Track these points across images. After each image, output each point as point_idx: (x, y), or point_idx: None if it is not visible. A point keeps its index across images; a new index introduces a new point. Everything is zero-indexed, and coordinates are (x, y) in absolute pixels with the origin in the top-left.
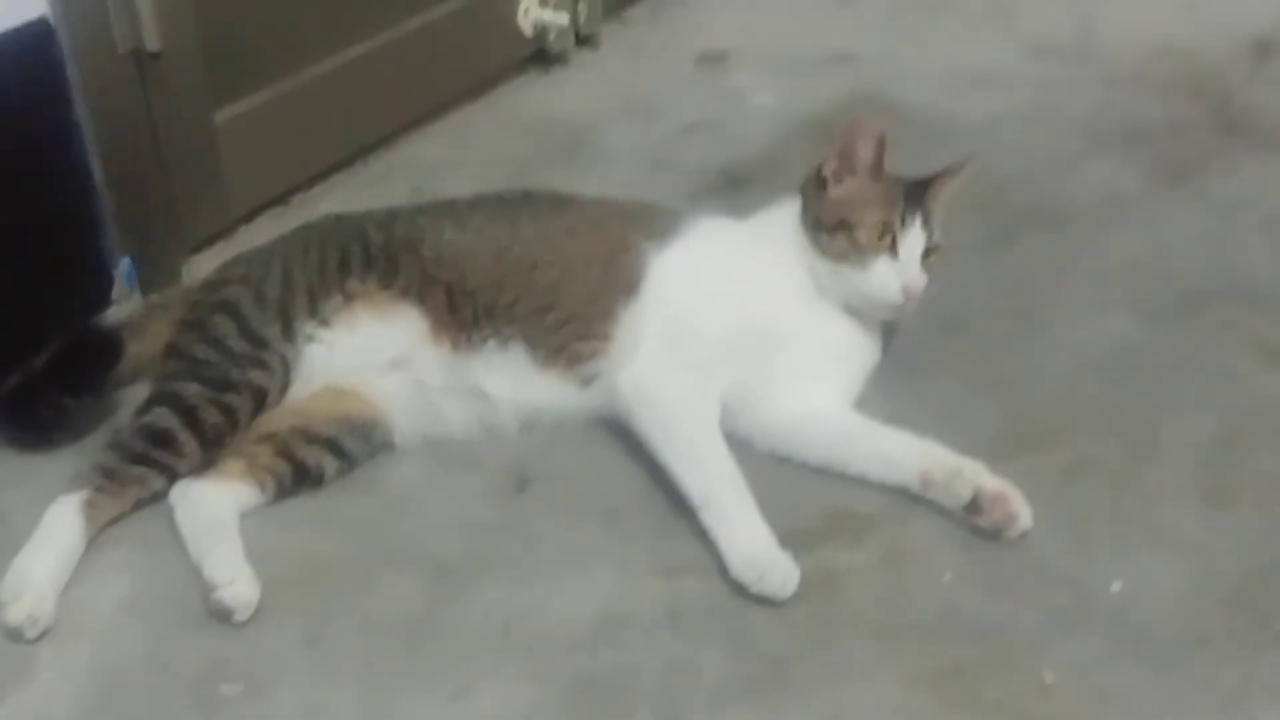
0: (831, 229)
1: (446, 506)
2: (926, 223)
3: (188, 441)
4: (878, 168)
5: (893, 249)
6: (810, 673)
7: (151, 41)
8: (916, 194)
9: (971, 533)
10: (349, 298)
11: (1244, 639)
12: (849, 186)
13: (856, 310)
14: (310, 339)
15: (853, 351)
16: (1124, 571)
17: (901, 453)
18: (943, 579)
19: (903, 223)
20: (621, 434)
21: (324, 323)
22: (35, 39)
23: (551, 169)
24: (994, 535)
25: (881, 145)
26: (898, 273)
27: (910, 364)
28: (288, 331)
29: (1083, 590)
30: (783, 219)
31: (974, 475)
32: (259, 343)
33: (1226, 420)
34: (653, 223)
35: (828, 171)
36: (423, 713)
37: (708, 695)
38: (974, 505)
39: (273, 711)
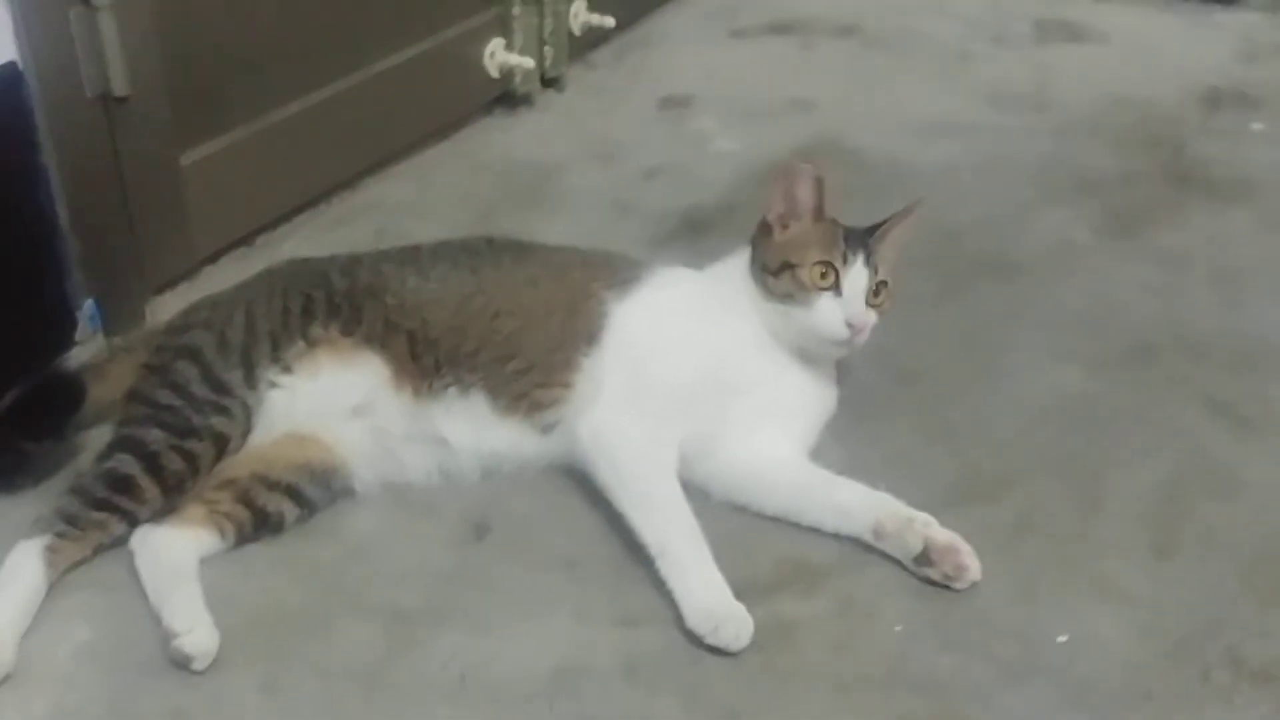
0: (776, 271)
1: (406, 554)
2: (869, 260)
3: (149, 487)
4: (818, 210)
5: (836, 287)
6: None
7: (119, 86)
8: (860, 234)
9: (922, 584)
10: (311, 344)
11: (1187, 692)
12: (792, 230)
13: (807, 351)
14: (272, 385)
15: (809, 401)
16: (1070, 624)
17: (855, 504)
18: (895, 629)
19: (844, 260)
20: (581, 482)
21: (286, 369)
22: (3, 83)
23: (516, 211)
24: (944, 586)
25: (819, 187)
26: (841, 308)
27: (864, 413)
28: (250, 378)
29: (1030, 642)
30: (737, 268)
31: (924, 527)
32: (221, 389)
33: (1172, 472)
34: (614, 272)
35: (772, 217)
36: None
37: None
38: (924, 557)
39: None
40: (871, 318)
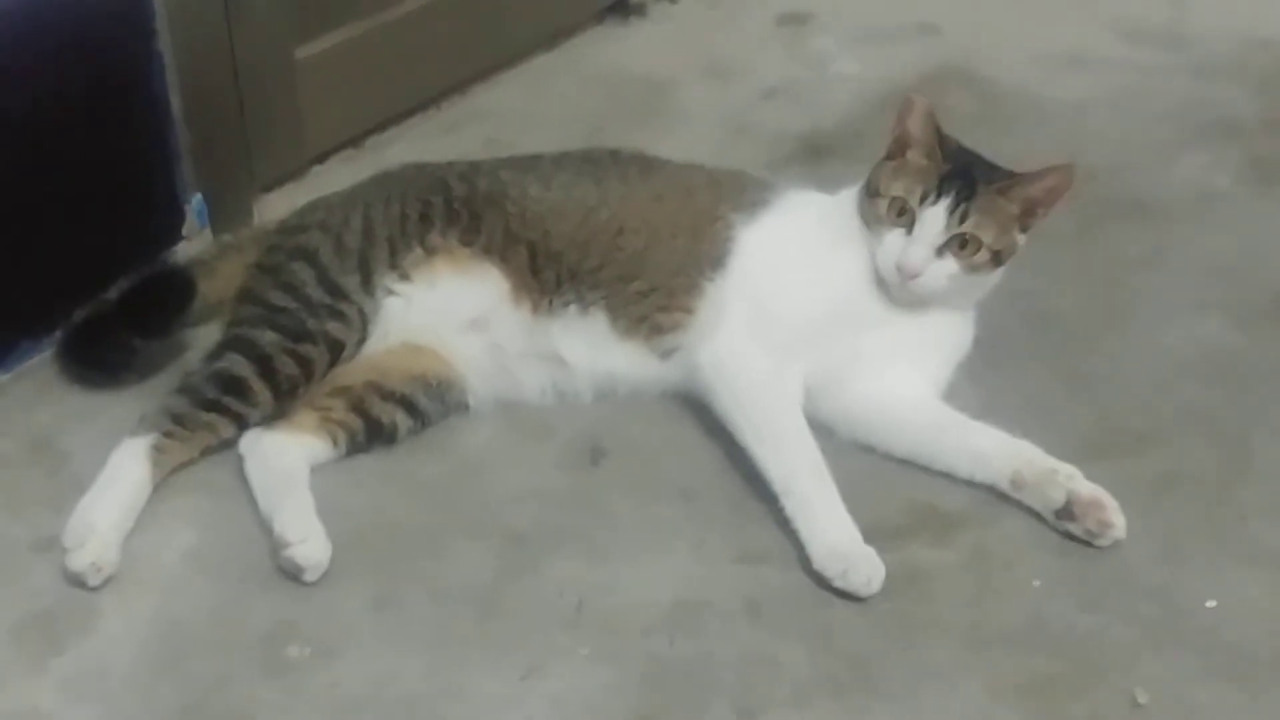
0: (871, 194)
1: (519, 474)
2: (958, 209)
3: (261, 390)
4: (930, 145)
5: (909, 227)
6: (894, 674)
7: None
8: (966, 181)
9: (1061, 538)
10: (430, 252)
11: None
12: (905, 158)
13: (879, 284)
14: (389, 292)
15: (941, 338)
16: (1218, 588)
17: (992, 450)
18: (1032, 585)
19: (922, 202)
20: (698, 411)
21: (404, 276)
22: None
23: (628, 126)
24: (1085, 542)
25: (930, 122)
26: (901, 249)
27: (998, 356)
28: (367, 283)
29: (1176, 605)
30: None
31: (1068, 480)
32: (337, 293)
33: None
34: (742, 193)
35: (892, 144)
36: (493, 689)
37: (787, 691)
38: (1067, 510)
39: (340, 677)
40: (943, 267)
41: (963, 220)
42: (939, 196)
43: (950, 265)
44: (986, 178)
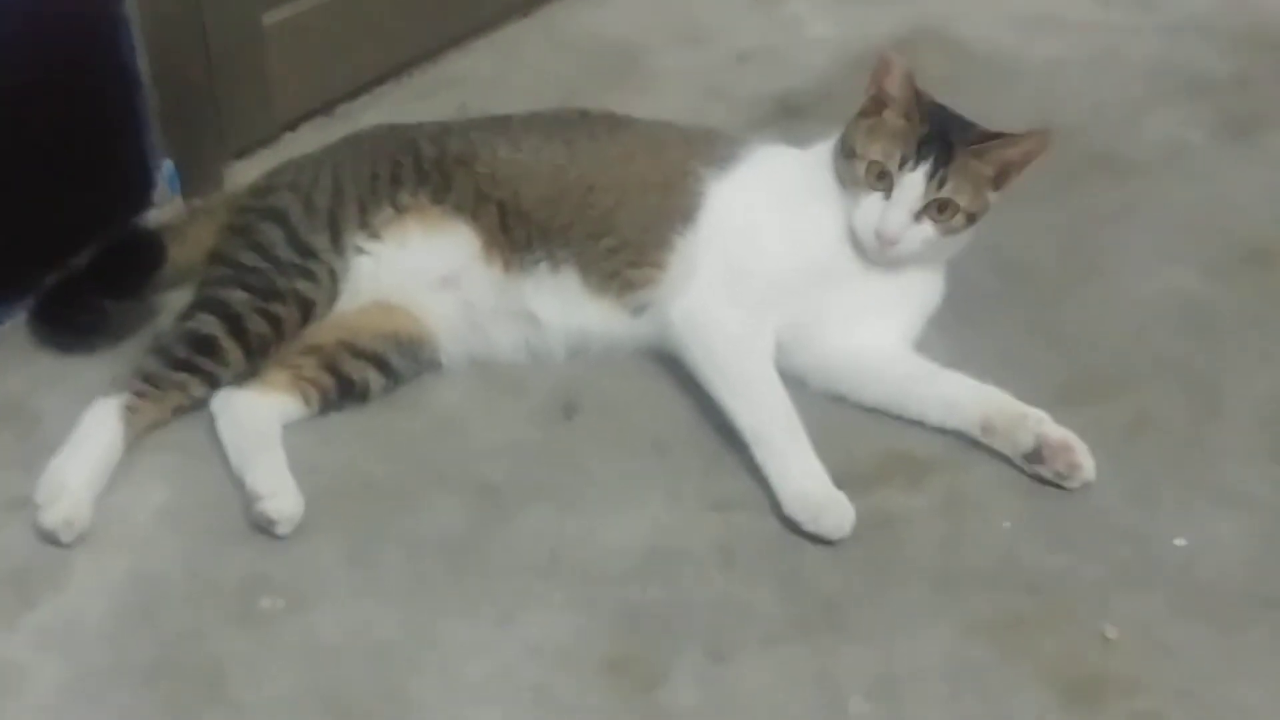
0: (847, 154)
1: (493, 429)
2: (937, 174)
3: (232, 349)
4: (907, 105)
5: (887, 191)
6: (865, 616)
7: None
8: (945, 144)
9: (1032, 482)
10: (400, 211)
11: None
12: (878, 119)
13: (853, 246)
14: (359, 251)
15: (912, 291)
16: (1188, 528)
17: (963, 397)
18: (1002, 526)
19: (901, 167)
20: (670, 366)
21: (374, 235)
22: None
23: (602, 91)
24: (1055, 485)
25: (909, 83)
26: (879, 213)
27: (971, 309)
28: (337, 243)
29: (1146, 545)
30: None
31: (1037, 424)
32: (307, 252)
33: None
34: (712, 149)
35: (867, 102)
36: (468, 636)
37: (759, 634)
38: (1036, 454)
39: (314, 628)
40: (920, 231)
41: (941, 185)
42: (918, 162)
43: (927, 229)
44: (962, 138)
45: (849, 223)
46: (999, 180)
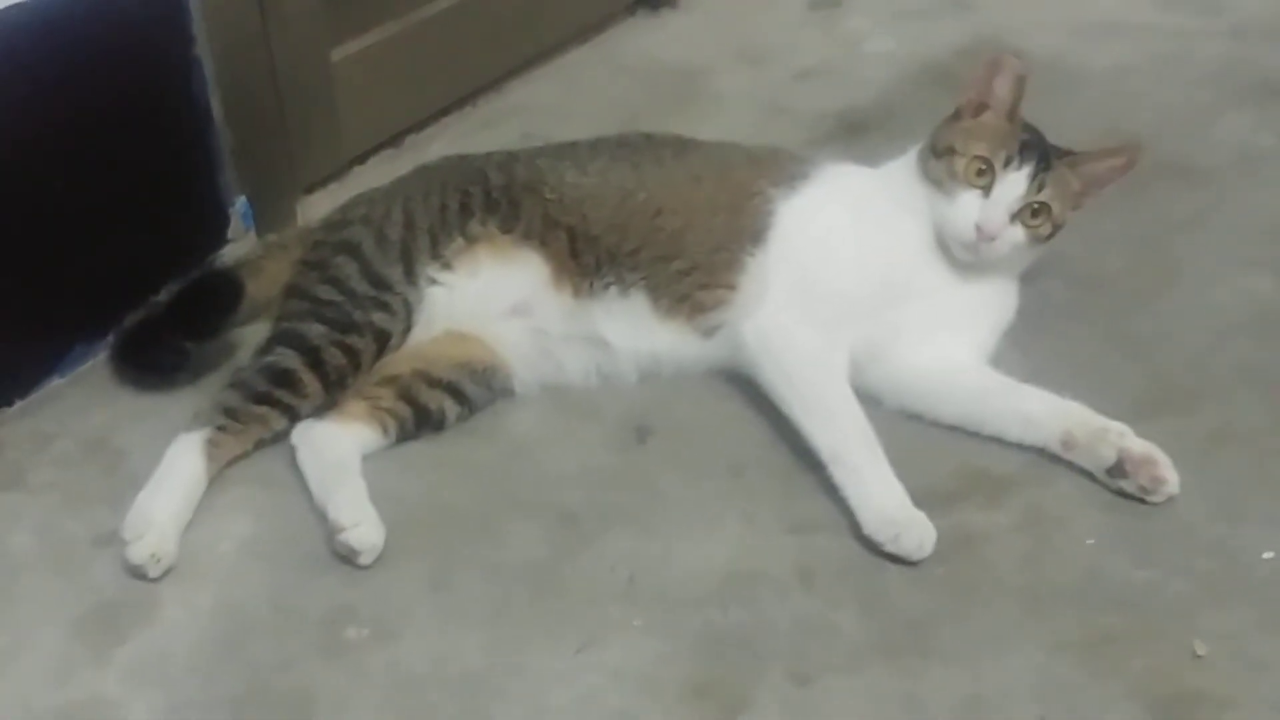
0: (940, 154)
1: (567, 455)
2: (1037, 177)
3: (310, 382)
4: (1012, 108)
5: (987, 189)
6: (950, 637)
7: None
8: (1046, 151)
9: (1114, 496)
10: (470, 240)
11: None
12: (981, 119)
13: (943, 245)
14: (432, 282)
15: (986, 305)
16: (1275, 540)
17: (1042, 412)
18: (1086, 543)
19: (1005, 165)
20: (741, 387)
21: (446, 265)
22: None
23: (664, 115)
24: (1139, 499)
25: (1020, 86)
26: (979, 209)
27: (1046, 321)
28: (410, 274)
29: (1233, 559)
30: (912, 166)
31: (1119, 437)
32: (381, 284)
33: None
34: (779, 169)
35: (964, 102)
36: (550, 663)
37: (843, 657)
38: (1119, 468)
39: (399, 656)
40: (1012, 235)
41: (1040, 189)
42: (1021, 162)
43: (1019, 233)
44: (1055, 150)
45: (939, 221)
46: (1082, 195)
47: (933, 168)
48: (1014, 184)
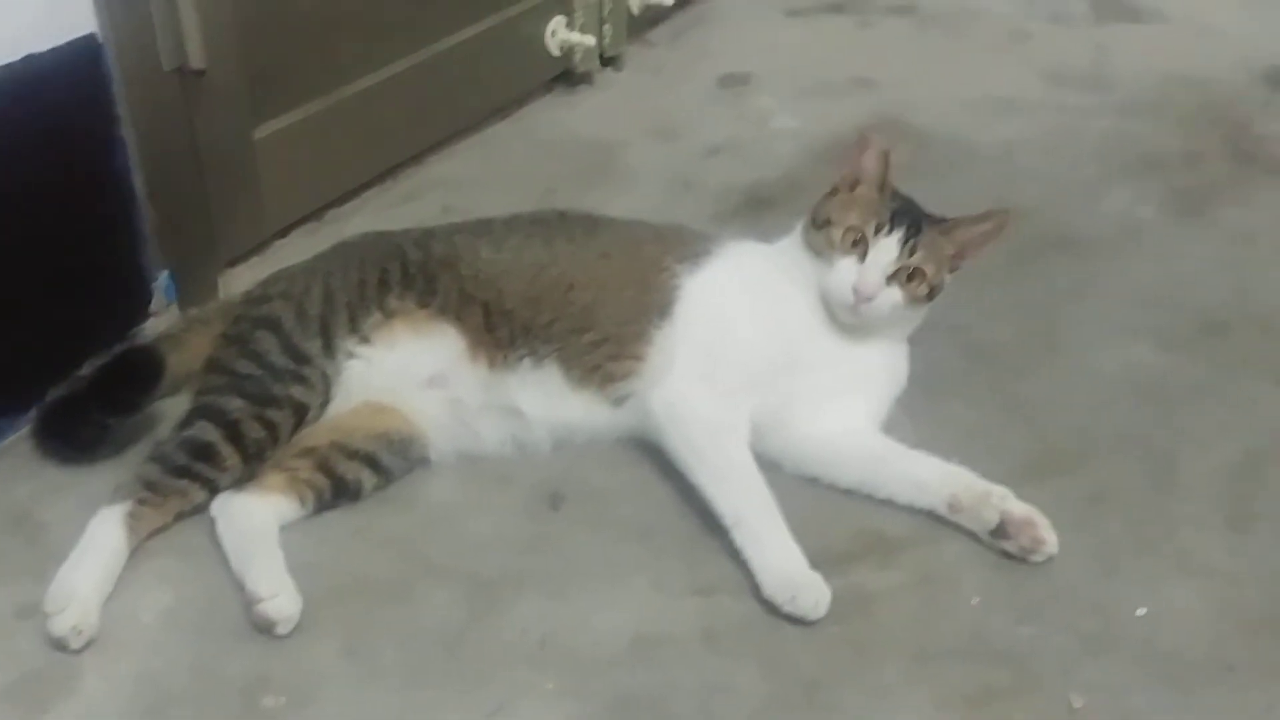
0: (819, 225)
1: (482, 523)
2: (909, 242)
3: (229, 455)
4: (881, 182)
5: (862, 256)
6: (844, 693)
7: (196, 59)
8: (914, 218)
9: (999, 557)
10: (388, 315)
11: (1270, 665)
12: (855, 193)
13: (829, 311)
14: (350, 355)
15: (879, 374)
16: (1149, 597)
17: (930, 477)
18: (972, 602)
19: (876, 232)
20: (653, 454)
21: (364, 339)
22: (84, 55)
23: (579, 188)
24: (1021, 559)
25: (885, 161)
26: (855, 274)
27: (936, 388)
28: (328, 348)
29: (1109, 615)
30: (799, 241)
31: (1001, 500)
32: (301, 358)
33: (1247, 447)
34: (685, 245)
35: (840, 178)
36: None
37: (744, 714)
38: (1001, 530)
39: None
40: (889, 296)
41: (911, 253)
42: (891, 228)
43: (896, 294)
44: (927, 218)
45: (822, 288)
46: (957, 259)
47: (813, 239)
48: (886, 249)
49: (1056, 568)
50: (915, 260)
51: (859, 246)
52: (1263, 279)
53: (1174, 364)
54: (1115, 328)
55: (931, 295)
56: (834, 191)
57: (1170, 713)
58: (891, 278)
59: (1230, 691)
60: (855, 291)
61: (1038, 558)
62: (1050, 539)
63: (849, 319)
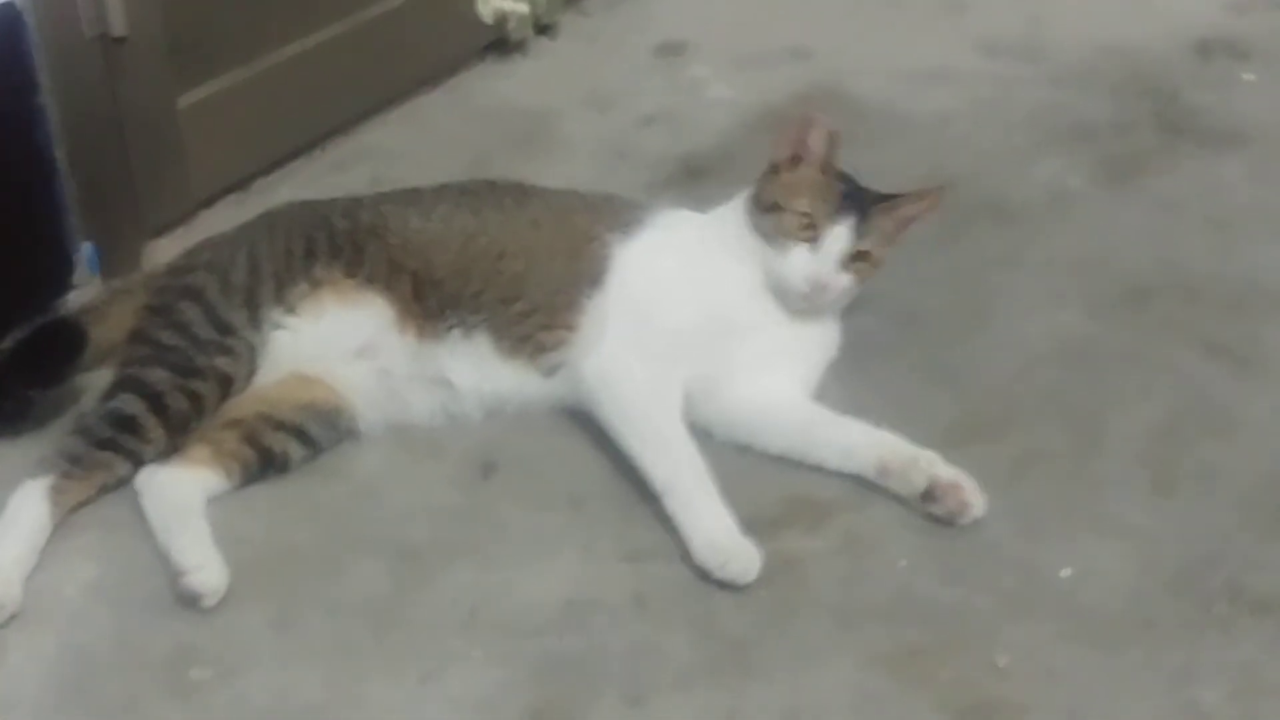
0: (766, 209)
1: (412, 493)
2: (860, 228)
3: (154, 428)
4: (826, 162)
5: (815, 241)
6: (772, 655)
7: (118, 26)
8: (859, 199)
9: (926, 520)
10: (315, 285)
11: (1188, 621)
12: (797, 173)
13: (778, 295)
14: (276, 326)
15: (810, 343)
16: (1073, 557)
17: (859, 442)
18: (899, 564)
19: (831, 219)
20: (584, 422)
21: (290, 310)
22: (3, 23)
23: (511, 158)
24: (948, 522)
25: (832, 141)
26: (811, 263)
27: (866, 356)
28: (254, 319)
29: (1033, 575)
30: (740, 211)
31: (929, 465)
32: (225, 329)
33: (1170, 411)
34: (616, 214)
35: (780, 157)
36: (392, 695)
37: (673, 677)
38: (929, 493)
39: (243, 695)
40: (841, 281)
41: (862, 237)
42: (844, 214)
43: (848, 278)
44: (870, 197)
45: (773, 275)
46: (896, 234)
47: (760, 222)
48: (839, 237)
49: (983, 530)
50: (866, 244)
51: (810, 232)
52: (1188, 247)
53: (1100, 330)
54: (1043, 295)
55: (875, 271)
56: (775, 170)
57: (1092, 669)
58: (842, 263)
59: (1150, 648)
60: (811, 282)
61: (964, 520)
62: (977, 502)
63: (801, 306)
